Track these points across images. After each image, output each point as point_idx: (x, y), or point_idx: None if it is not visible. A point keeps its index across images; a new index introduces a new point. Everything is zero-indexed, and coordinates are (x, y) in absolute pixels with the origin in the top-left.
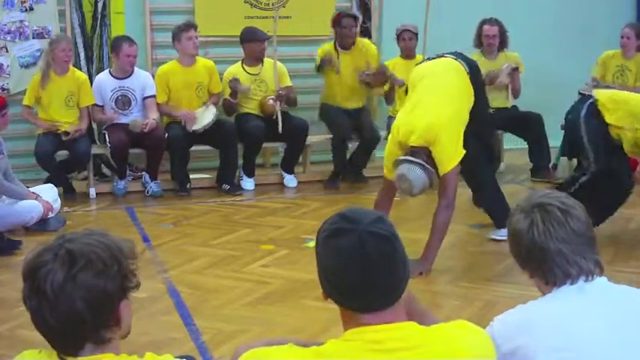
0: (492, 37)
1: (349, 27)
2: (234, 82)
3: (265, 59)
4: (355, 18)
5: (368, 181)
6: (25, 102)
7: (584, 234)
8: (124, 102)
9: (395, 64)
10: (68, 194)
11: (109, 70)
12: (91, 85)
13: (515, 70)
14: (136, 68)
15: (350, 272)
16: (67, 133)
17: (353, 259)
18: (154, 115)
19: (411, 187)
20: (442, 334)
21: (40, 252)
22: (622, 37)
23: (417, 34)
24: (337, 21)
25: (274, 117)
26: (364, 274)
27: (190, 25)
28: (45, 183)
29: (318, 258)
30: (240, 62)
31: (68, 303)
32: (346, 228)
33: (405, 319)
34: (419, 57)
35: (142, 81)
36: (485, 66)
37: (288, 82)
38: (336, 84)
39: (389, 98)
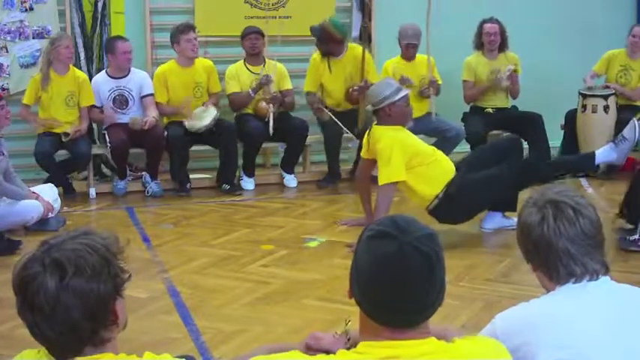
0: (493, 34)
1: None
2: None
3: (268, 60)
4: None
5: None
6: (25, 101)
7: (594, 235)
8: (121, 101)
9: (396, 64)
10: (68, 194)
11: (106, 71)
12: None
13: (514, 72)
14: (132, 68)
15: (380, 279)
16: (66, 134)
17: (387, 267)
18: (153, 113)
19: None
20: (460, 351)
21: (27, 264)
22: (633, 36)
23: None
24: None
25: (266, 119)
26: (394, 286)
27: (189, 27)
28: (45, 183)
29: (355, 255)
30: (242, 60)
31: (64, 313)
32: (392, 234)
33: (427, 336)
34: (420, 57)
35: (139, 80)
36: (486, 66)
37: (288, 86)
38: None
39: None
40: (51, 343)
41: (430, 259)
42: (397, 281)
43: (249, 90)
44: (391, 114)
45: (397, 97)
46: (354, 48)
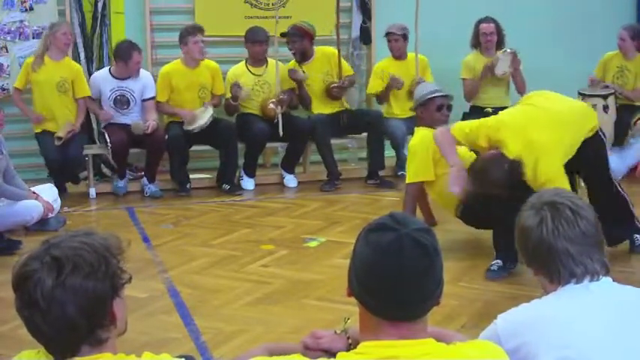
0: (490, 34)
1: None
2: (235, 88)
3: (270, 60)
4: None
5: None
6: (16, 84)
7: (593, 235)
8: (122, 102)
9: (385, 65)
10: (75, 184)
11: (109, 69)
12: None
13: (515, 56)
14: None
15: (380, 270)
16: (59, 139)
17: (387, 258)
18: (153, 117)
19: None
20: (459, 353)
21: (26, 261)
22: (618, 39)
23: (404, 35)
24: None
25: (275, 121)
26: (394, 277)
27: (197, 29)
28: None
29: (354, 250)
30: (244, 61)
31: (60, 309)
32: (390, 226)
33: (427, 336)
34: (411, 57)
35: (142, 82)
36: (483, 64)
37: (290, 85)
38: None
39: (383, 98)
40: (47, 341)
41: (428, 250)
42: (396, 271)
43: (230, 100)
44: (422, 116)
45: (425, 98)
46: (323, 49)
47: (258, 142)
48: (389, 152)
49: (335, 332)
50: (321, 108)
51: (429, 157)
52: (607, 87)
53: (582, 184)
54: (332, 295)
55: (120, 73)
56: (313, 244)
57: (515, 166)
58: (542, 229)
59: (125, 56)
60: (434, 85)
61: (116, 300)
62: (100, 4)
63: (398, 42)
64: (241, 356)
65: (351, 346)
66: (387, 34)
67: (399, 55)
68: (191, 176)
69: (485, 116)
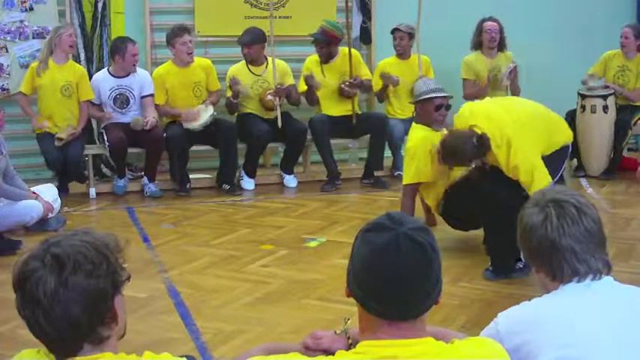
0: (494, 32)
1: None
2: (233, 84)
3: (269, 58)
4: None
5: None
6: (21, 89)
7: (596, 234)
8: (122, 100)
9: (388, 63)
10: (80, 182)
11: (108, 69)
12: None
13: (514, 70)
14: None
15: (378, 269)
16: (60, 139)
17: (384, 257)
18: (152, 114)
19: None
20: (458, 352)
21: (27, 260)
22: (621, 37)
23: (410, 34)
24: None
25: (274, 113)
26: (391, 276)
27: (184, 30)
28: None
29: (352, 250)
30: (244, 61)
31: (63, 308)
32: (387, 226)
33: (425, 336)
34: (414, 56)
35: (140, 79)
36: (486, 65)
37: (290, 81)
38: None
39: (380, 96)
40: (50, 340)
41: (424, 248)
42: (393, 270)
43: (230, 97)
44: (420, 113)
45: (424, 97)
46: (345, 50)
47: (259, 142)
48: (386, 153)
49: (335, 333)
50: (331, 108)
51: (429, 159)
52: (607, 87)
53: (583, 184)
54: (332, 295)
55: (118, 70)
56: (313, 244)
57: (484, 139)
58: (547, 226)
59: (120, 50)
60: (434, 82)
61: (117, 297)
62: (100, 4)
63: (403, 40)
64: (241, 356)
65: (351, 347)
66: (394, 30)
67: (402, 53)
68: (191, 176)
69: None
